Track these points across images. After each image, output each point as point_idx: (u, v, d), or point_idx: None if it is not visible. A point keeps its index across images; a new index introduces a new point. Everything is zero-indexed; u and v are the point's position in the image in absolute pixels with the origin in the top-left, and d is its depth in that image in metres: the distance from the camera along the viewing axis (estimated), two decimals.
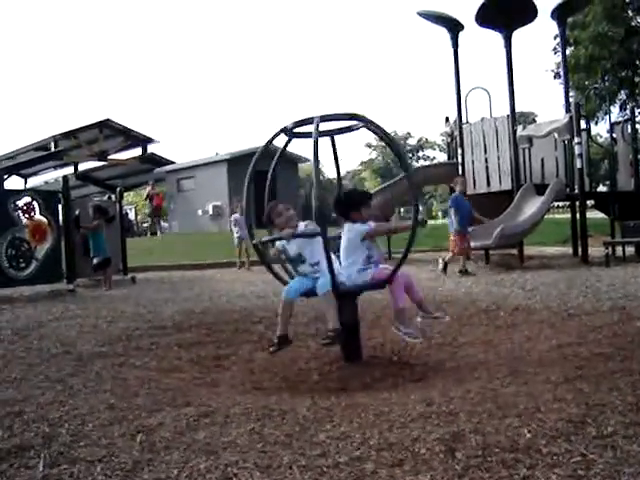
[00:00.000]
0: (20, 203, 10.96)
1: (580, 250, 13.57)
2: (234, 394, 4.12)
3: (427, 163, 69.60)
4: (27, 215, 11.01)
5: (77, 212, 12.33)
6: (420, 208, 5.04)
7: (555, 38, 29.12)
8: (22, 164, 32.36)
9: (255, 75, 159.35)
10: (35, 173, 35.98)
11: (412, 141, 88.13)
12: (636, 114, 16.27)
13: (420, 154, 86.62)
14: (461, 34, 16.26)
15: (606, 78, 31.62)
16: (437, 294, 8.38)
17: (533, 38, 34.58)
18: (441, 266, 11.77)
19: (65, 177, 13.19)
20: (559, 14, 15.63)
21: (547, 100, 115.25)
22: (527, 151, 14.75)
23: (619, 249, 13.97)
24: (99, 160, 31.47)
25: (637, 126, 15.77)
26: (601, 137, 34.07)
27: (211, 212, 32.51)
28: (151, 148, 32.78)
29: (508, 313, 6.64)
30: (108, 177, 35.88)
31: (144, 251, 18.30)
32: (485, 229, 12.93)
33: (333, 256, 4.86)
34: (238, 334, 6.29)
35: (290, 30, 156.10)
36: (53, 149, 29.88)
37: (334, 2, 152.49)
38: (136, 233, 33.29)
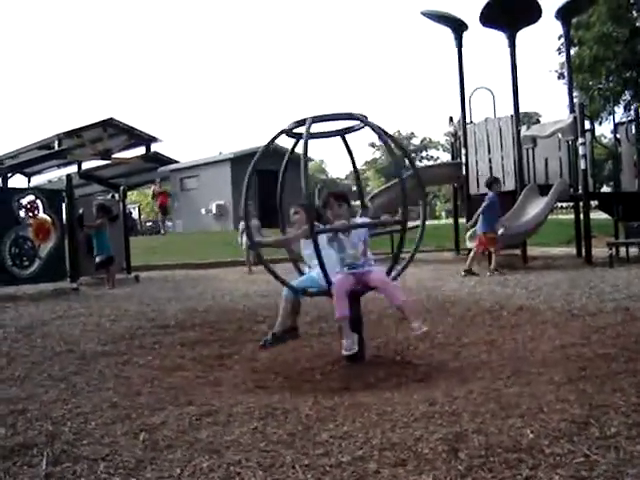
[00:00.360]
0: (24, 202, 10.98)
1: (584, 251, 13.55)
2: (237, 393, 4.12)
3: (431, 163, 69.57)
4: (31, 214, 11.02)
5: (81, 211, 12.33)
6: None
7: (559, 38, 29.06)
8: (26, 163, 32.47)
9: (259, 74, 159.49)
10: (39, 172, 36.10)
11: (416, 141, 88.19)
12: None
13: (424, 154, 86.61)
14: (465, 34, 16.26)
15: (610, 78, 31.59)
16: (440, 294, 8.37)
17: (537, 38, 34.46)
18: (493, 268, 11.68)
19: (69, 176, 13.20)
20: (563, 14, 15.61)
21: (551, 100, 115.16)
22: (531, 151, 14.72)
23: (623, 250, 13.94)
24: (103, 159, 31.57)
25: None
26: (605, 138, 34.06)
27: (214, 211, 32.50)
28: (155, 147, 32.92)
29: (511, 313, 6.63)
30: (112, 176, 35.96)
31: (147, 250, 18.30)
32: None
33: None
34: (241, 333, 6.29)
35: (294, 29, 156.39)
36: (57, 148, 29.98)
37: (339, 1, 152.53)
38: (139, 232, 33.33)
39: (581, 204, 14.24)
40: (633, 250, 14.05)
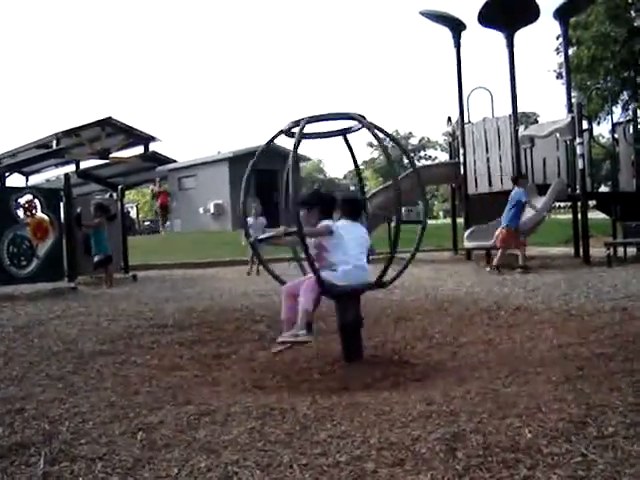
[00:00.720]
0: (22, 201, 10.97)
1: (582, 250, 13.57)
2: (235, 393, 4.12)
3: (429, 163, 69.56)
4: (29, 213, 11.01)
5: (79, 210, 12.32)
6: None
7: (557, 38, 29.10)
8: (24, 162, 32.45)
9: (257, 74, 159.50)
10: (37, 171, 36.07)
11: (414, 141, 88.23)
12: (638, 115, 16.24)
13: (422, 154, 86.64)
14: (463, 34, 16.29)
15: (608, 78, 31.64)
16: (438, 294, 8.38)
17: (535, 38, 34.58)
18: (495, 264, 11.73)
19: (67, 175, 13.19)
20: (562, 14, 15.64)
21: (549, 100, 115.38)
22: (529, 151, 14.76)
23: (620, 250, 13.96)
24: (101, 158, 31.55)
25: (639, 127, 15.74)
26: (603, 138, 34.01)
27: (213, 211, 32.50)
28: (153, 146, 32.88)
29: (509, 313, 6.63)
30: (110, 175, 35.93)
31: (145, 250, 18.29)
32: (486, 229, 12.93)
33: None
34: (239, 333, 6.28)
35: (293, 29, 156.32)
36: (55, 147, 29.96)
37: (337, 1, 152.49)
38: (137, 231, 33.30)
39: (579, 204, 14.27)
40: (631, 250, 14.08)
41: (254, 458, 2.76)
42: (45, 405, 3.72)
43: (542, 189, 13.77)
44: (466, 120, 16.21)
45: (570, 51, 26.14)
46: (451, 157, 18.09)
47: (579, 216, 14.22)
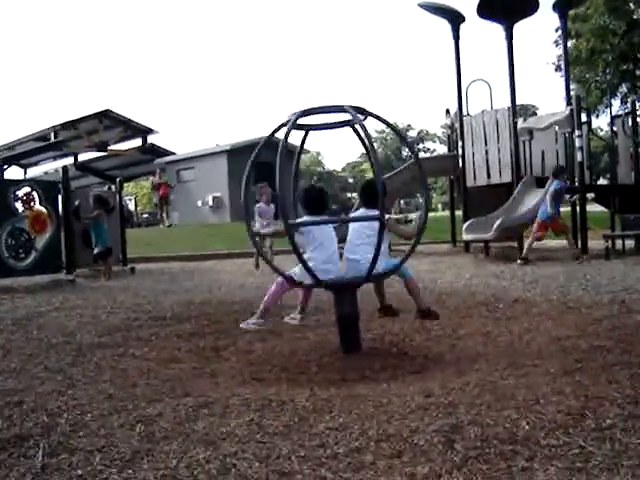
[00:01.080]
0: (20, 193, 10.94)
1: (580, 243, 13.58)
2: (233, 385, 4.12)
3: (427, 155, 69.58)
4: (27, 205, 11.00)
5: (77, 203, 12.29)
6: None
7: (556, 31, 29.13)
8: (22, 154, 32.40)
9: (255, 66, 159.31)
10: (35, 163, 36.02)
11: (413, 133, 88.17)
12: (637, 107, 16.23)
13: (420, 146, 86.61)
14: (462, 26, 16.26)
15: (607, 71, 31.61)
16: (436, 286, 8.39)
17: (534, 30, 34.46)
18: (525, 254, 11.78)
19: (65, 167, 13.17)
20: (560, 6, 15.60)
21: (548, 93, 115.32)
22: (527, 143, 14.74)
23: (619, 242, 13.97)
24: (99, 151, 31.51)
25: (638, 119, 15.74)
26: (602, 130, 34.04)
27: (211, 203, 32.48)
28: (151, 139, 32.84)
29: (507, 305, 6.64)
30: (108, 168, 35.90)
31: (143, 242, 18.27)
32: (485, 221, 12.93)
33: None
34: (238, 325, 6.27)
35: (290, 21, 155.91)
36: (53, 139, 29.91)
37: None
38: (135, 224, 33.26)
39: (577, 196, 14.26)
40: (629, 242, 14.09)
41: (252, 450, 2.76)
42: (44, 397, 3.72)
43: (541, 182, 13.76)
44: (465, 112, 16.19)
45: (569, 43, 26.13)
46: (449, 149, 18.07)
47: (577, 209, 14.22)
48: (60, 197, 11.82)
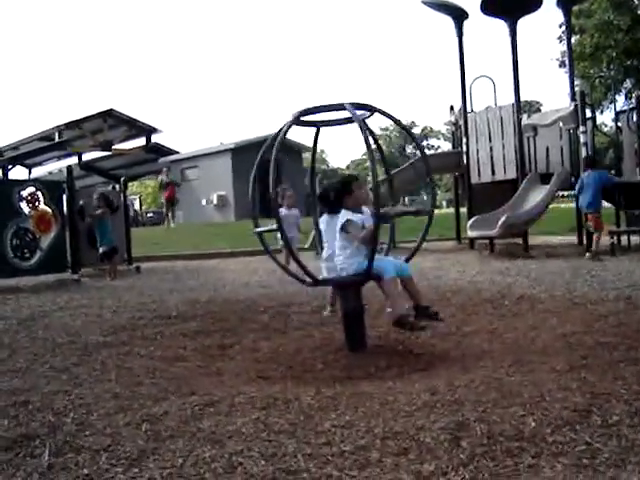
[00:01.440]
0: (24, 193, 10.96)
1: (585, 239, 13.54)
2: (239, 383, 4.12)
3: (431, 152, 69.50)
4: (31, 205, 11.01)
5: (81, 202, 12.30)
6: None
7: (560, 26, 29.07)
8: (26, 154, 32.40)
9: (259, 64, 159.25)
10: (39, 163, 36.01)
11: (417, 130, 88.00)
12: None
13: (424, 143, 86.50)
14: (466, 22, 16.19)
15: (611, 67, 31.55)
16: (442, 283, 8.38)
17: (538, 27, 34.34)
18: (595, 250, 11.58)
19: (69, 167, 13.15)
20: (564, 2, 15.55)
21: (552, 89, 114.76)
22: (532, 140, 14.69)
23: (624, 238, 13.93)
24: (103, 150, 31.46)
25: None
26: (606, 126, 34.00)
27: (215, 202, 32.48)
28: (155, 138, 32.77)
29: (513, 302, 6.63)
30: (112, 167, 35.87)
31: (148, 241, 18.29)
32: (490, 218, 12.91)
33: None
34: (243, 323, 6.28)
35: (295, 19, 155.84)
36: (57, 139, 29.88)
37: None
38: (140, 223, 33.26)
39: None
40: (635, 238, 14.02)
41: (258, 448, 2.76)
42: (50, 397, 3.73)
43: (545, 178, 13.73)
44: (469, 109, 16.15)
45: (573, 39, 26.06)
46: (454, 146, 18.04)
47: None
48: (65, 197, 11.82)
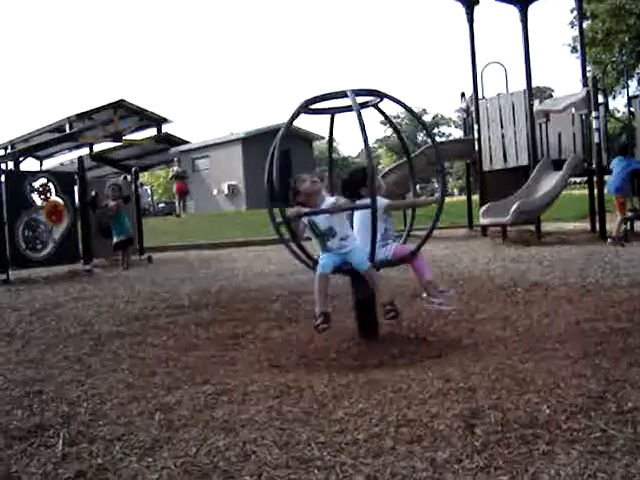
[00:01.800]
0: (36, 185, 10.99)
1: (598, 226, 13.47)
2: (252, 372, 4.13)
3: (443, 139, 69.28)
4: (43, 196, 11.04)
5: (93, 193, 12.32)
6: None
7: (572, 11, 28.85)
8: (37, 146, 32.55)
9: (269, 52, 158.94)
10: (50, 155, 36.17)
11: (427, 118, 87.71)
12: None
13: (435, 131, 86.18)
14: (476, 8, 16.07)
15: (623, 52, 31.30)
16: (454, 271, 8.35)
17: (550, 12, 34.20)
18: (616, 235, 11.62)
19: (80, 158, 13.21)
20: None
21: (564, 75, 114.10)
22: (544, 126, 14.61)
23: (638, 224, 13.83)
24: (114, 141, 31.56)
25: None
26: (619, 112, 33.70)
27: (226, 191, 32.51)
28: (166, 128, 32.84)
29: (526, 289, 6.59)
30: (123, 158, 36.00)
31: (160, 231, 18.32)
32: (502, 205, 12.85)
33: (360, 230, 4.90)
34: (255, 312, 6.29)
35: (306, 7, 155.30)
36: (68, 130, 30.00)
37: None
38: (151, 213, 33.33)
39: (595, 179, 14.14)
40: None
41: (272, 436, 2.76)
42: (63, 387, 3.75)
43: (558, 164, 13.65)
44: (480, 96, 16.05)
45: (585, 24, 25.80)
46: (465, 134, 17.96)
47: (595, 191, 14.08)
48: (76, 188, 11.84)
